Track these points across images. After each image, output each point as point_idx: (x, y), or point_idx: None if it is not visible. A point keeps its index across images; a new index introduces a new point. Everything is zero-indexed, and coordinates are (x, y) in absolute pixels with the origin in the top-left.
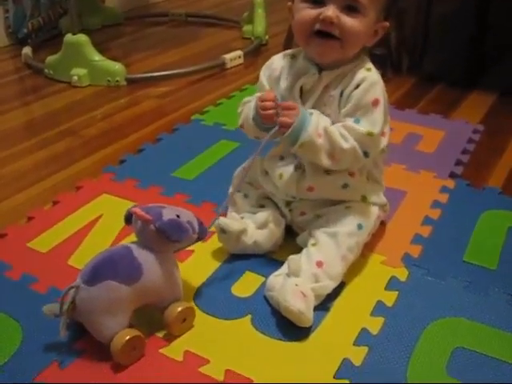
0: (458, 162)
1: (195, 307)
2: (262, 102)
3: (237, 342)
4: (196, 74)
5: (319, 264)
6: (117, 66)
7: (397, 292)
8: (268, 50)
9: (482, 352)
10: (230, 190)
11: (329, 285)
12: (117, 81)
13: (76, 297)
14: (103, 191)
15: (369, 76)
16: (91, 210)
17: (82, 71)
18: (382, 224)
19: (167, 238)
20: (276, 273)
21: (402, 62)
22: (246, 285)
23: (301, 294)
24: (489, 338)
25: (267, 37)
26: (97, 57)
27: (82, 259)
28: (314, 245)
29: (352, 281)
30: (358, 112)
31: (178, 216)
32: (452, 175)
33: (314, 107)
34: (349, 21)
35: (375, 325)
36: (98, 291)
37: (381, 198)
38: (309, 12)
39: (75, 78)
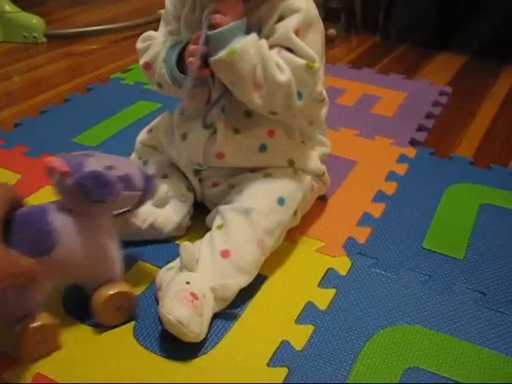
0: (421, 128)
1: (61, 310)
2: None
3: (109, 359)
4: (128, 31)
5: (225, 254)
6: (34, 20)
7: (334, 290)
8: None
9: (441, 373)
10: (132, 156)
11: (236, 282)
12: (34, 37)
13: None
14: None
15: (293, 3)
16: None
17: None
18: (322, 200)
19: (87, 196)
20: (169, 265)
21: (365, 18)
22: (136, 280)
23: (188, 297)
24: (452, 354)
25: None
26: (8, 7)
27: None
28: (220, 227)
29: (274, 275)
30: (286, 43)
31: (109, 167)
32: (413, 142)
33: None
34: None
35: (299, 338)
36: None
37: (316, 165)
38: None
39: None
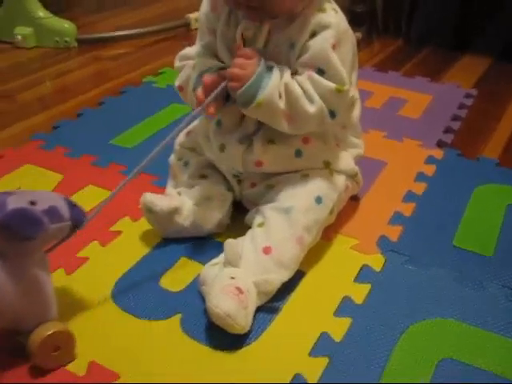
0: (448, 130)
1: (113, 305)
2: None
3: (159, 350)
4: (157, 35)
5: (267, 250)
6: (66, 25)
7: (369, 285)
8: None
9: (474, 364)
10: (171, 157)
11: (278, 278)
12: (66, 41)
13: None
14: (26, 161)
15: (324, 18)
16: (8, 183)
17: (26, 30)
18: (355, 200)
19: (15, 235)
20: (213, 261)
21: (387, 21)
22: (179, 275)
23: (234, 291)
24: (484, 346)
25: None
26: (41, 13)
27: None
28: (260, 225)
29: (312, 271)
30: (320, 61)
31: (32, 202)
32: (440, 144)
33: None
34: None
35: (338, 329)
36: None
37: (351, 166)
38: None
39: (19, 37)
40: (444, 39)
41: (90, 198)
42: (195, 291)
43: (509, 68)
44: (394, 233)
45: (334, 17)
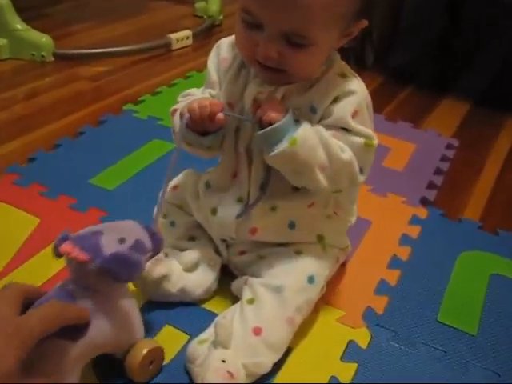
0: (431, 185)
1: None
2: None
3: None
4: (136, 55)
5: (257, 331)
6: (44, 39)
7: (355, 364)
8: (221, 31)
9: None
10: (154, 212)
11: (267, 360)
12: (42, 56)
13: None
14: (1, 199)
15: (347, 85)
16: None
17: (1, 41)
18: (341, 265)
19: (115, 279)
20: (200, 337)
21: (366, 56)
22: (164, 346)
23: (226, 375)
24: None
25: (221, 16)
26: (19, 25)
27: None
28: (250, 302)
29: (298, 346)
30: (344, 124)
31: (122, 240)
32: (423, 201)
33: None
34: (294, 56)
35: None
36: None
37: (343, 239)
38: (246, 37)
39: None
40: (423, 77)
41: None
42: (181, 366)
43: (488, 113)
44: (380, 304)
45: (357, 84)
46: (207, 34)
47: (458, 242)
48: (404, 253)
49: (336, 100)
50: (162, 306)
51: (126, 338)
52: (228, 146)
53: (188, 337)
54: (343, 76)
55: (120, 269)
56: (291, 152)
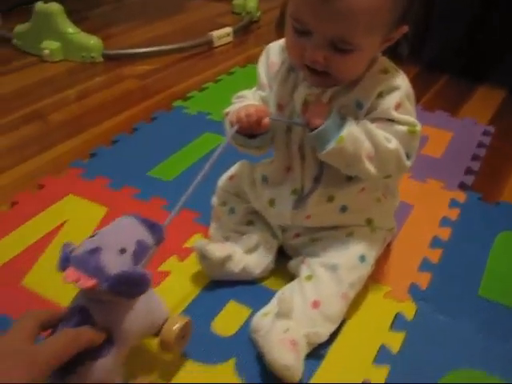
0: (468, 171)
1: None
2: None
3: None
4: (180, 52)
5: (315, 304)
6: (92, 41)
7: (403, 333)
8: (260, 27)
9: None
10: (213, 200)
11: (325, 331)
12: (92, 57)
13: None
14: (69, 191)
15: (390, 81)
16: (54, 215)
17: (54, 44)
18: (387, 245)
19: (125, 297)
20: (263, 310)
21: (401, 49)
22: (229, 319)
23: (289, 344)
24: None
25: (259, 13)
26: (71, 29)
27: (38, 279)
28: (308, 278)
29: (351, 318)
30: (388, 115)
31: (122, 250)
32: (462, 186)
33: None
34: (340, 61)
35: (378, 376)
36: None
37: (390, 221)
38: (295, 43)
39: (46, 51)
40: (457, 67)
41: None
42: (246, 337)
43: None
44: (424, 280)
45: (400, 79)
46: (246, 31)
47: (496, 222)
48: (444, 233)
49: (380, 95)
50: (225, 284)
51: (155, 320)
52: (280, 143)
53: (251, 311)
54: (386, 72)
55: (128, 288)
56: (340, 148)
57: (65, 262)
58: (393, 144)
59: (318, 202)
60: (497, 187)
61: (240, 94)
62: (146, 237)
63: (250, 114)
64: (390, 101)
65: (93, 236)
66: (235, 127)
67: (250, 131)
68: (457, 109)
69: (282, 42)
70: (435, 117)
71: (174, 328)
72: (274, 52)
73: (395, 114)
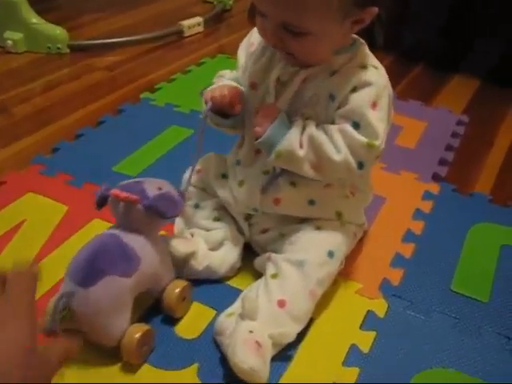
0: (442, 161)
1: None
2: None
3: None
4: (149, 43)
5: (281, 303)
6: (58, 31)
7: (374, 332)
8: (232, 16)
9: None
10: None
11: (292, 331)
12: (58, 48)
13: (72, 304)
14: (29, 189)
15: (366, 76)
16: (12, 214)
17: (17, 35)
18: (358, 240)
19: (162, 216)
20: (227, 311)
21: (376, 36)
22: (193, 321)
23: (255, 345)
24: None
25: (231, 1)
26: (35, 19)
27: None
28: (274, 276)
29: (320, 317)
30: (356, 116)
31: (160, 189)
32: (435, 177)
33: (290, 104)
34: (296, 44)
35: (348, 378)
36: (99, 291)
37: (360, 217)
38: (259, 24)
39: (9, 42)
40: (434, 55)
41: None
42: (209, 339)
43: (496, 90)
44: (396, 276)
45: (375, 75)
46: (218, 20)
47: (469, 215)
48: (418, 227)
49: (354, 90)
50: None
51: (165, 274)
52: (249, 125)
53: (215, 312)
54: (363, 67)
55: (165, 206)
56: (280, 161)
57: (106, 190)
58: (340, 156)
59: (284, 185)
60: (470, 178)
61: (220, 72)
62: (176, 194)
63: (224, 95)
64: (364, 97)
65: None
66: (209, 104)
67: (223, 111)
68: (431, 98)
69: None
70: (409, 106)
71: (175, 291)
72: (255, 33)
73: (369, 114)
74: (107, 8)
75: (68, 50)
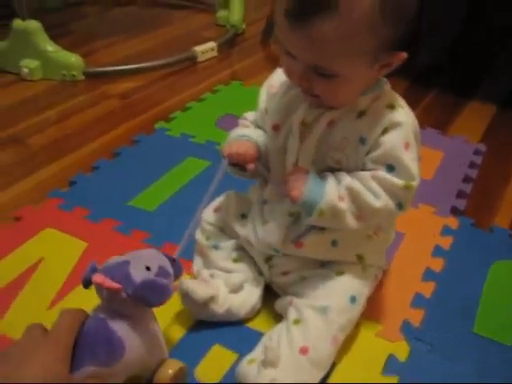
0: (460, 194)
1: None
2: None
3: None
4: (163, 69)
5: (304, 351)
6: (73, 59)
7: (396, 378)
8: (245, 40)
9: None
10: (197, 234)
11: (314, 378)
12: (73, 75)
13: None
14: (47, 225)
15: (395, 117)
16: (30, 252)
17: (33, 63)
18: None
19: (147, 305)
20: (249, 356)
21: None
22: (213, 364)
23: None
24: None
25: (244, 25)
26: (50, 47)
27: (13, 324)
28: (296, 322)
29: (341, 362)
30: (391, 160)
31: (148, 268)
32: (454, 211)
33: (317, 146)
34: (325, 86)
35: None
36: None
37: (382, 258)
38: (285, 64)
39: (25, 70)
40: (448, 79)
41: None
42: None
43: None
44: (417, 317)
45: (403, 115)
46: (231, 44)
47: (490, 251)
48: (437, 264)
49: (385, 131)
50: (210, 325)
51: (154, 358)
52: (276, 164)
53: (236, 355)
54: (391, 107)
55: (151, 294)
56: (323, 218)
57: (91, 272)
58: (381, 201)
59: (309, 229)
60: (490, 210)
61: (246, 115)
62: (168, 267)
63: (239, 154)
64: (396, 139)
65: (120, 255)
66: (225, 161)
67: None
68: (446, 126)
69: None
70: (425, 135)
71: (167, 373)
72: (278, 74)
73: (403, 156)
74: (118, 33)
75: (83, 77)
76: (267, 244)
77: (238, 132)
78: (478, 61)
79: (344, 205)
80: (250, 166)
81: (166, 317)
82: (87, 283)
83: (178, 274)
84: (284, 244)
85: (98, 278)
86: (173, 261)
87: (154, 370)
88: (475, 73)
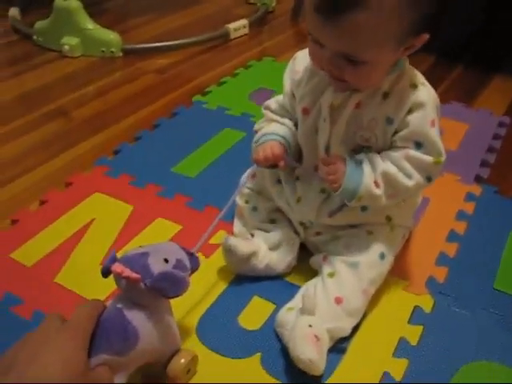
0: (484, 163)
1: (199, 343)
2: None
3: None
4: (197, 46)
5: (338, 300)
6: (112, 36)
7: (421, 327)
8: (275, 17)
9: None
10: (236, 199)
11: (347, 325)
12: (112, 51)
13: None
14: (95, 189)
15: (419, 96)
16: (82, 213)
17: (73, 40)
18: (406, 240)
19: (163, 296)
20: (288, 305)
21: None
22: (254, 314)
23: (313, 339)
24: None
25: (274, 3)
26: (90, 25)
27: (70, 276)
28: (331, 275)
29: (371, 313)
30: (419, 137)
31: (166, 260)
32: (477, 179)
33: (346, 127)
34: (353, 71)
35: (397, 370)
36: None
37: (409, 220)
38: (313, 52)
39: (66, 47)
40: (472, 58)
41: (160, 232)
42: (271, 331)
43: None
44: (441, 274)
45: (426, 93)
46: (262, 22)
47: (511, 217)
48: (461, 227)
49: (410, 111)
50: (249, 279)
51: (168, 347)
52: (308, 144)
53: (274, 306)
54: (414, 86)
55: (168, 286)
56: (361, 202)
57: (110, 262)
58: (413, 180)
59: (340, 203)
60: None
61: (268, 103)
62: (186, 260)
63: (267, 158)
64: (422, 118)
65: (140, 247)
66: (254, 167)
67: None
68: (472, 99)
69: (307, 49)
70: (450, 108)
71: (179, 363)
72: (299, 60)
73: (430, 133)
74: (152, 11)
75: (121, 54)
76: (301, 217)
77: (262, 131)
78: (503, 38)
79: (380, 191)
80: (281, 164)
81: (208, 272)
82: (106, 272)
83: (194, 268)
84: (317, 217)
85: (117, 267)
86: (190, 255)
87: (167, 360)
88: (499, 50)
